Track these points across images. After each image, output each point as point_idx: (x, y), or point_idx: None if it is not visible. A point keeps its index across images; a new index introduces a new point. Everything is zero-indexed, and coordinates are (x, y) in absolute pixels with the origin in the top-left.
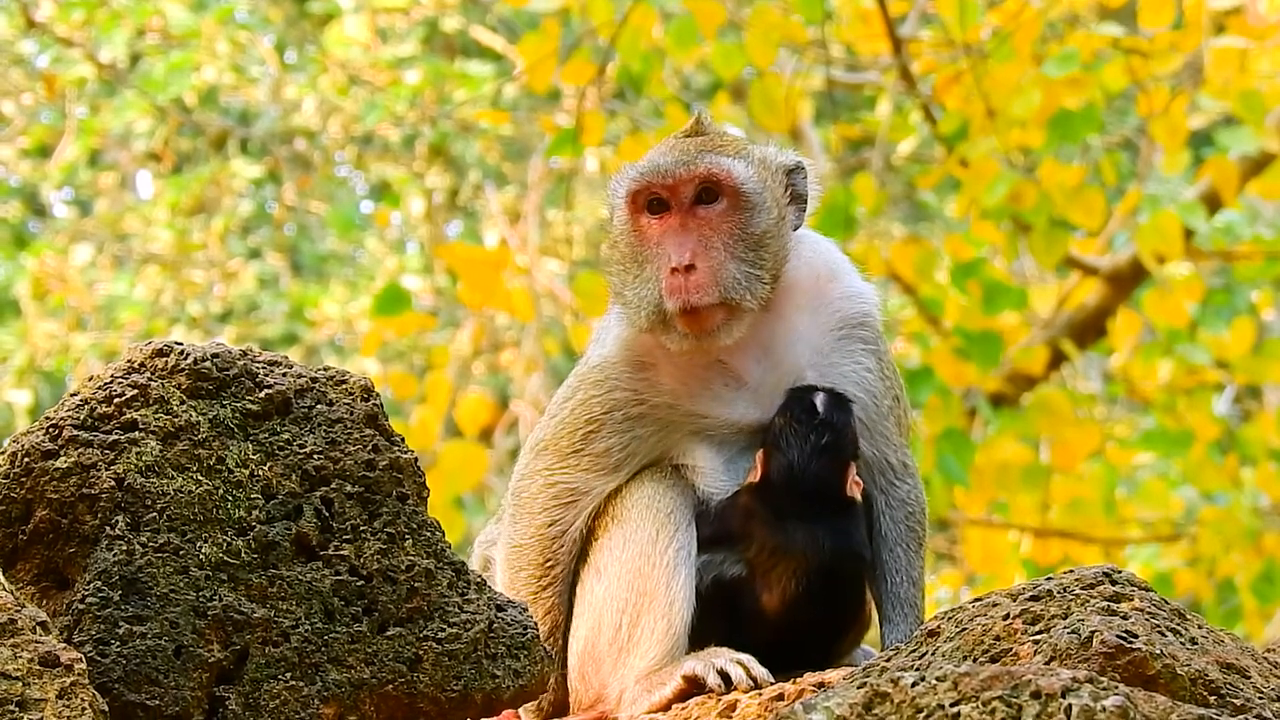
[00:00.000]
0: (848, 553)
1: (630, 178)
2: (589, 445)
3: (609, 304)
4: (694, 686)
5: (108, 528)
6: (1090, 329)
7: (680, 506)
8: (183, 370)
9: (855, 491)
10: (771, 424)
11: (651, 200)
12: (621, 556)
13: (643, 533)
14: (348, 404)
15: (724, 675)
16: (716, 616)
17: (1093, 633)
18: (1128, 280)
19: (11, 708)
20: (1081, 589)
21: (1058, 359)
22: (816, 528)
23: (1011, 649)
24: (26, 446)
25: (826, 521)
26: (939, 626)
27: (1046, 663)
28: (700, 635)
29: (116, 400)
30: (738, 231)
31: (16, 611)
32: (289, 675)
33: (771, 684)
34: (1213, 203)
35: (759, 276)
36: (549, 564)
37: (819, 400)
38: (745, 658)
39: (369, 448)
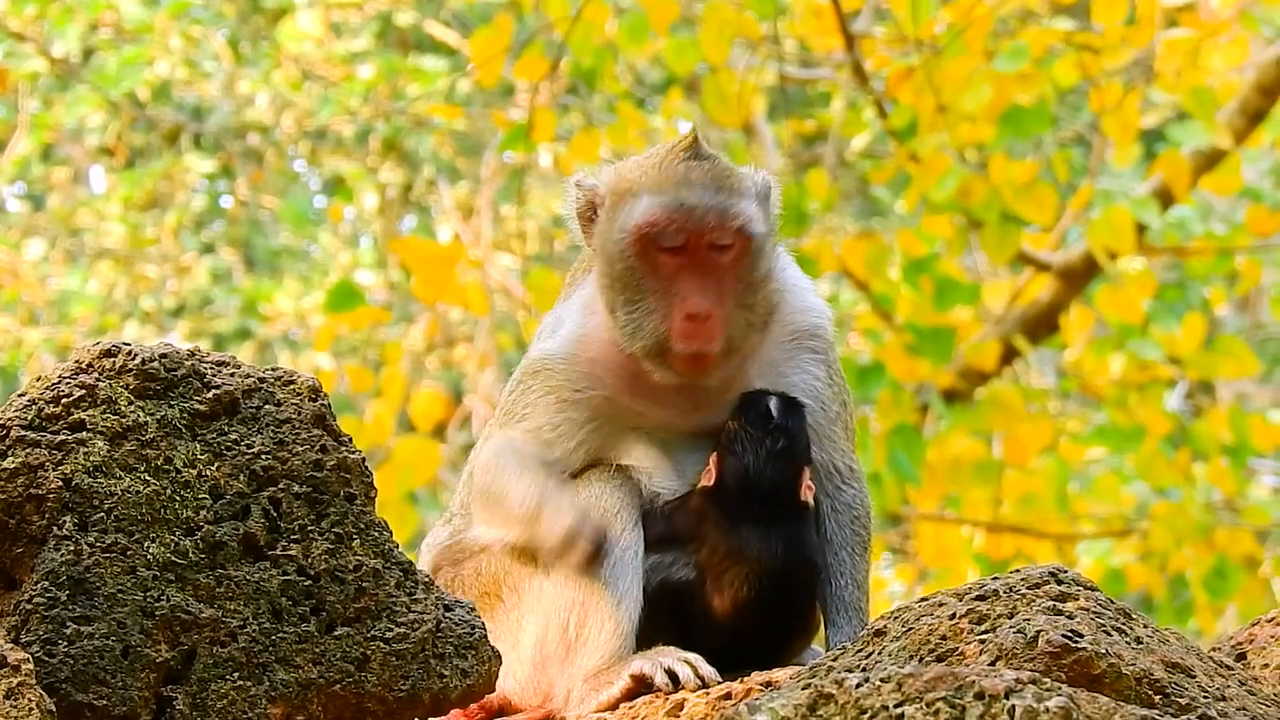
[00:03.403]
0: (801, 558)
1: (654, 212)
2: (522, 424)
3: (560, 298)
4: (641, 685)
5: (55, 528)
6: (1043, 324)
7: (627, 506)
8: (130, 371)
9: (809, 496)
10: (725, 428)
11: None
12: None
13: None
14: (295, 404)
15: (671, 674)
16: (665, 619)
17: (1038, 632)
18: (1080, 276)
19: None
20: (1028, 589)
21: (1010, 354)
22: (770, 533)
23: (958, 648)
24: None
25: (780, 527)
26: (885, 626)
27: (992, 662)
28: (648, 639)
29: (64, 401)
30: (746, 277)
31: None
32: (236, 675)
33: (719, 683)
34: (1165, 198)
35: (755, 325)
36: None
37: (773, 405)
38: (693, 656)
39: (317, 448)
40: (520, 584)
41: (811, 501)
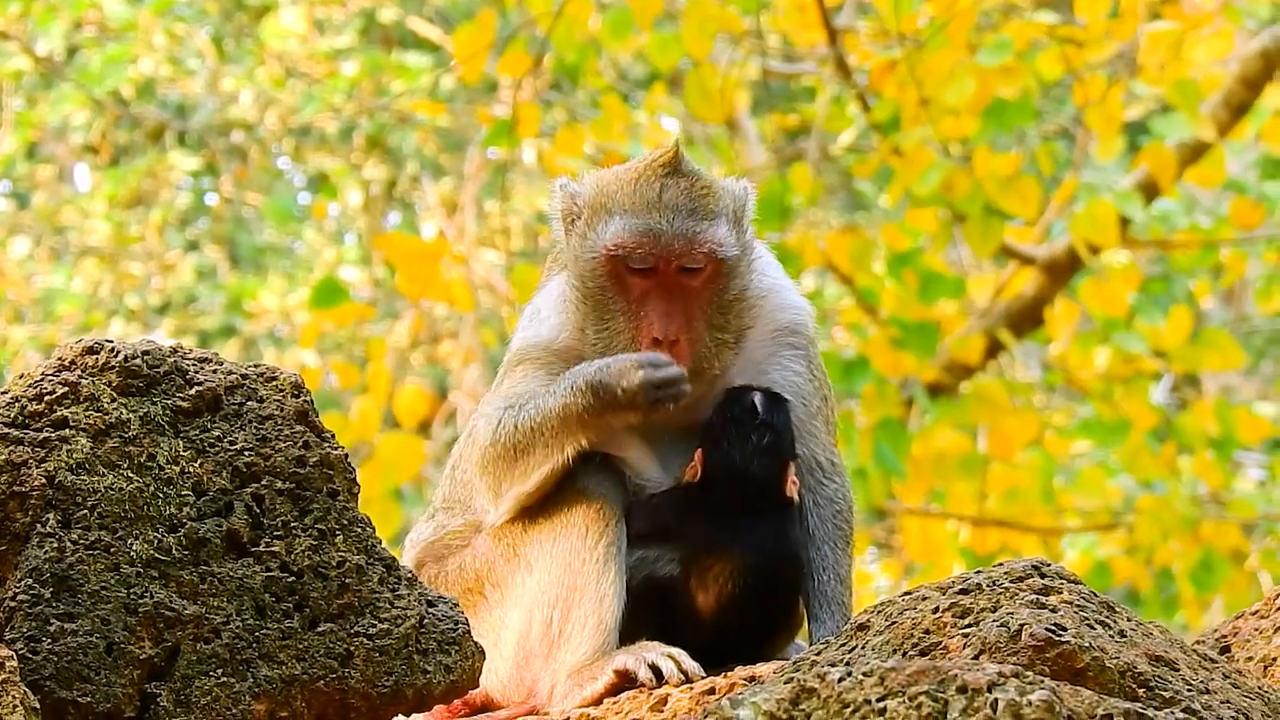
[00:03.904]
0: (785, 554)
1: (623, 235)
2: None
3: (538, 287)
4: (625, 681)
5: (39, 525)
6: (1027, 318)
7: (611, 501)
8: (113, 368)
9: (794, 492)
10: (710, 424)
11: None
12: (552, 551)
13: (573, 528)
14: (278, 401)
15: (655, 669)
16: (649, 615)
17: (1022, 626)
18: (1065, 269)
19: None
20: (1010, 582)
21: (995, 348)
22: (755, 528)
23: (941, 642)
24: None
25: (765, 522)
26: (868, 620)
27: (975, 656)
28: (632, 634)
29: (47, 398)
30: (716, 298)
31: None
32: (220, 672)
33: (703, 678)
34: (1150, 191)
35: (727, 343)
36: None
37: (758, 400)
38: (676, 651)
39: (299, 444)
40: (503, 580)
41: (796, 497)
